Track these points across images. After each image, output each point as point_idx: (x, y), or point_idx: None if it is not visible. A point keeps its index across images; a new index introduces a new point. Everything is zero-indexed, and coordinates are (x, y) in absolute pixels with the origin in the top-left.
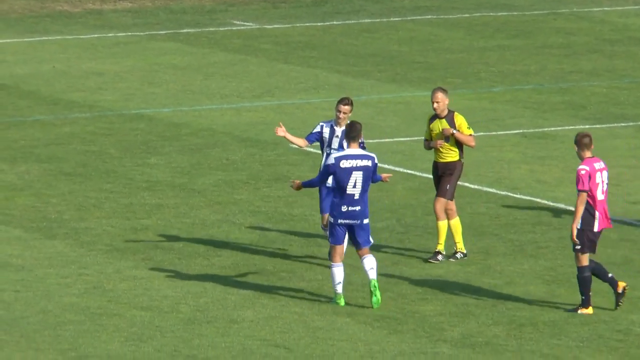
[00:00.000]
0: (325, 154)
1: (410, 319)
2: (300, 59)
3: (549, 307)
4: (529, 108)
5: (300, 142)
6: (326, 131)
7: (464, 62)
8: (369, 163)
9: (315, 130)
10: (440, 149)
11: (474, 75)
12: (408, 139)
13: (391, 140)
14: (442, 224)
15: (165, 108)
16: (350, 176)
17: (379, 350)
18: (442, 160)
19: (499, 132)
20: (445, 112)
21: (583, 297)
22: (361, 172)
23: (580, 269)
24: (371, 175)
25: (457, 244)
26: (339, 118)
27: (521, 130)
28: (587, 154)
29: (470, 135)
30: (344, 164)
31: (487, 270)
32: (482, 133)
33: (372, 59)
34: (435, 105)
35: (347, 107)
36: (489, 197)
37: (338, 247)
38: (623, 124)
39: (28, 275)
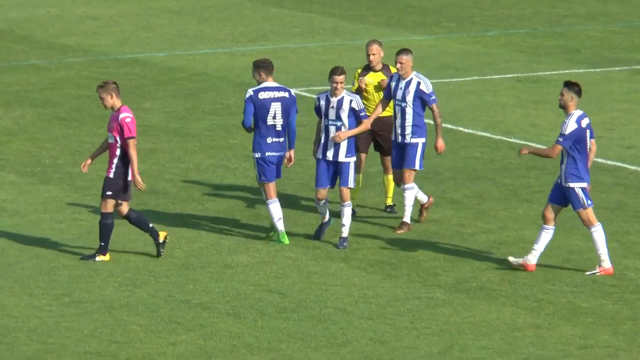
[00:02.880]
0: (323, 125)
1: (404, 264)
2: (294, 2)
3: (543, 251)
4: (523, 52)
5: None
6: (322, 103)
7: (458, 5)
8: (286, 94)
9: (315, 107)
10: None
11: (468, 19)
12: None
13: None
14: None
15: (160, 52)
16: (270, 107)
17: (373, 295)
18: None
19: (493, 76)
20: (380, 65)
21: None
22: (279, 103)
23: (103, 215)
24: (290, 108)
25: (389, 199)
26: (335, 89)
27: (515, 75)
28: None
29: None
30: (262, 95)
31: (482, 215)
32: (476, 77)
33: (367, 2)
34: (372, 57)
35: (341, 77)
36: (483, 142)
37: (270, 185)
38: (617, 68)
39: (22, 220)
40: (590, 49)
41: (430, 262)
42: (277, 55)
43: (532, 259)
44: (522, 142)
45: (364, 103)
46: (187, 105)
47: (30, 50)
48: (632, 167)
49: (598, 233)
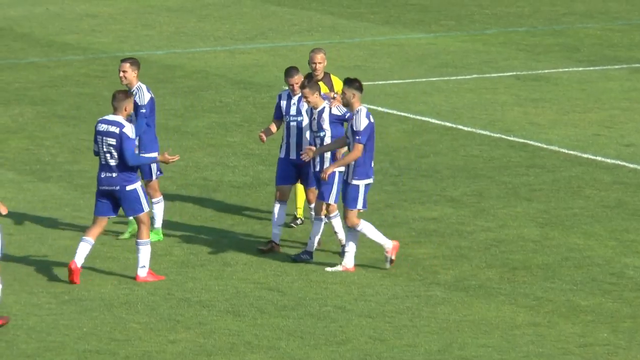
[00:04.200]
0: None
1: (403, 262)
2: (293, 0)
3: (542, 250)
4: (522, 50)
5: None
6: (283, 103)
7: (458, 3)
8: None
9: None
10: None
11: (467, 17)
12: (401, 81)
13: (384, 82)
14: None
15: (159, 50)
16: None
17: (373, 293)
18: None
19: (492, 75)
20: (322, 74)
21: None
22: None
23: None
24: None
25: (299, 209)
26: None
27: (515, 73)
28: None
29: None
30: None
31: (481, 213)
32: (475, 75)
33: (366, 0)
34: (317, 66)
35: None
36: (482, 140)
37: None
38: (617, 66)
39: (21, 218)
40: (590, 47)
41: (429, 260)
42: (276, 54)
43: (350, 261)
44: (522, 140)
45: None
46: (186, 103)
47: (29, 48)
48: (632, 165)
49: (357, 233)
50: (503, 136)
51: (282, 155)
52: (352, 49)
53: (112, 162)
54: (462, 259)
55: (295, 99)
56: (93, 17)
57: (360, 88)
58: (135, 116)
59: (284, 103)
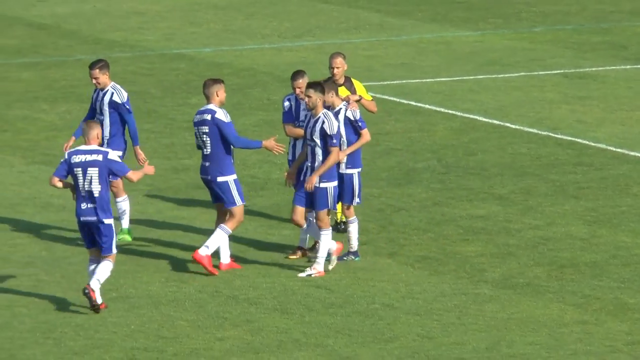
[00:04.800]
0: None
1: (451, 260)
2: None
3: (590, 247)
4: (569, 48)
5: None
6: (292, 107)
7: (505, 1)
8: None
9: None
10: None
11: (514, 15)
12: (449, 79)
13: (432, 80)
14: None
15: (206, 48)
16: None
17: (420, 291)
18: None
19: (539, 72)
20: (343, 79)
21: None
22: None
23: None
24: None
25: (338, 214)
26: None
27: (562, 70)
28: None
29: (372, 100)
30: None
31: (528, 211)
32: (523, 73)
33: None
34: (336, 70)
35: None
36: (530, 138)
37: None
38: None
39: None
40: (637, 45)
41: (477, 258)
42: (322, 51)
43: (320, 266)
44: (569, 138)
45: None
46: (233, 100)
47: (76, 45)
48: None
49: (325, 236)
50: (550, 134)
51: (290, 157)
52: (399, 47)
53: (206, 151)
54: (510, 256)
55: (304, 104)
56: (140, 15)
57: (323, 91)
58: (119, 115)
59: (293, 107)
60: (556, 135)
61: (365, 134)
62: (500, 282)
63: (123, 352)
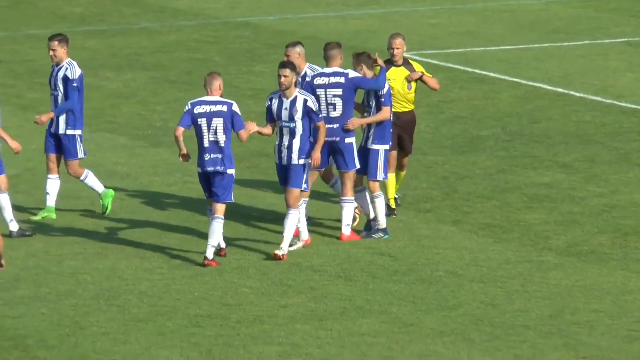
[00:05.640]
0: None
1: (515, 228)
2: None
3: None
4: (634, 17)
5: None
6: (274, 107)
7: None
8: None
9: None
10: (401, 98)
11: None
12: (513, 47)
13: (496, 48)
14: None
15: (271, 16)
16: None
17: (484, 258)
18: (402, 110)
19: (604, 41)
20: (402, 60)
21: None
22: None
23: None
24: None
25: (391, 200)
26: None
27: (626, 39)
28: None
29: (433, 77)
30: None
31: (593, 179)
32: (587, 42)
33: None
34: (396, 51)
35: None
36: (594, 106)
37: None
38: None
39: (133, 183)
40: None
41: (541, 226)
42: (388, 19)
43: (305, 236)
44: (634, 106)
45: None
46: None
47: (141, 13)
48: None
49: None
50: (615, 102)
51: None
52: (464, 15)
53: (335, 114)
54: (574, 224)
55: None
56: None
57: (296, 70)
58: (65, 91)
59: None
60: (620, 104)
61: (386, 111)
62: (565, 250)
63: (187, 320)
